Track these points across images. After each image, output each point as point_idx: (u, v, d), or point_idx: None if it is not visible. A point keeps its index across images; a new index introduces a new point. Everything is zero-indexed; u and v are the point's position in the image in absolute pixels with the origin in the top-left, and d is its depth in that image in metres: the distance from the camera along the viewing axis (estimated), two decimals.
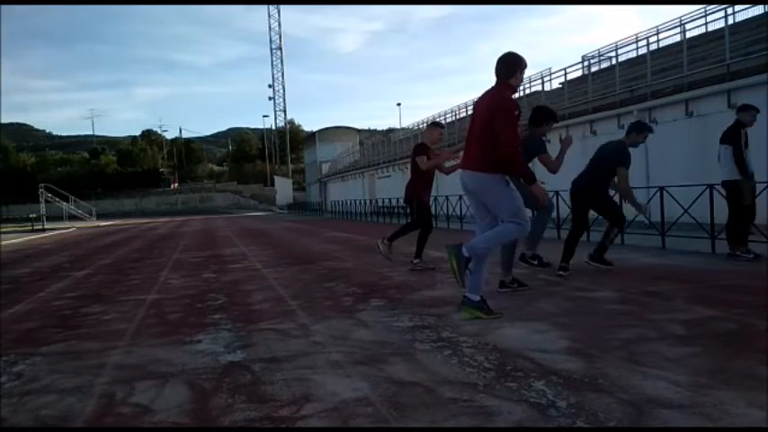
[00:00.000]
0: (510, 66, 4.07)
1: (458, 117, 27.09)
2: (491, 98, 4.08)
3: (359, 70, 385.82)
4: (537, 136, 5.65)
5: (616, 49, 17.19)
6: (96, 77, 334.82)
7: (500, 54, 4.13)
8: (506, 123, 3.93)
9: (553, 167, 5.52)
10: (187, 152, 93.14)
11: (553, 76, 19.65)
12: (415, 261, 6.88)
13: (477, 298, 4.05)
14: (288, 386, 2.80)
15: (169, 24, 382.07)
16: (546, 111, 5.82)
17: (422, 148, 6.94)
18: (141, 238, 18.93)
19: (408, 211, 7.47)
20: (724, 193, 6.62)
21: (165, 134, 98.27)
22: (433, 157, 6.80)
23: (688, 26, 14.59)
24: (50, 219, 38.40)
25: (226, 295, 5.73)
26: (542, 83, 20.17)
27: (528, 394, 2.52)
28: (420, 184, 7.01)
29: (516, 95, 4.20)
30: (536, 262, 6.11)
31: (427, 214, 7.07)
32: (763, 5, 14.18)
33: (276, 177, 66.54)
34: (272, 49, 73.22)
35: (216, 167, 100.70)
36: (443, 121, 28.63)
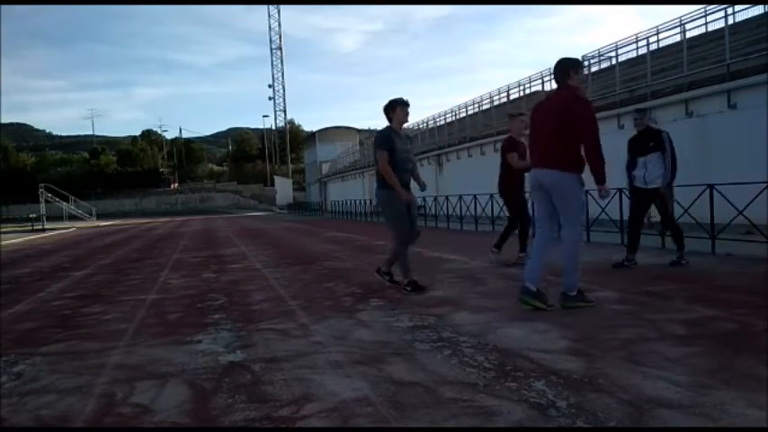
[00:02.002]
0: (562, 69, 4.31)
1: (458, 117, 27.09)
2: (563, 100, 4.25)
3: (359, 70, 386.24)
4: (394, 130, 5.32)
5: (616, 49, 17.19)
6: (96, 77, 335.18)
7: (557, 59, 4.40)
8: (591, 123, 4.18)
9: (383, 169, 5.16)
10: (187, 152, 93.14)
11: None
12: (521, 255, 6.84)
13: (574, 293, 4.30)
14: (288, 386, 2.80)
15: (169, 24, 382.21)
16: (390, 101, 5.37)
17: (512, 144, 6.85)
18: (141, 238, 18.93)
19: (505, 208, 7.41)
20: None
21: (165, 134, 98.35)
22: (523, 152, 6.63)
23: (688, 26, 14.59)
24: (50, 219, 38.40)
25: (226, 295, 5.73)
26: (542, 83, 20.20)
27: (528, 394, 2.52)
28: (513, 180, 6.92)
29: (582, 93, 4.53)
30: (388, 278, 5.61)
31: (525, 209, 7.08)
32: (763, 5, 14.18)
33: (276, 177, 66.54)
34: (272, 49, 73.26)
35: (216, 167, 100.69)
36: (443, 122, 28.68)
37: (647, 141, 6.32)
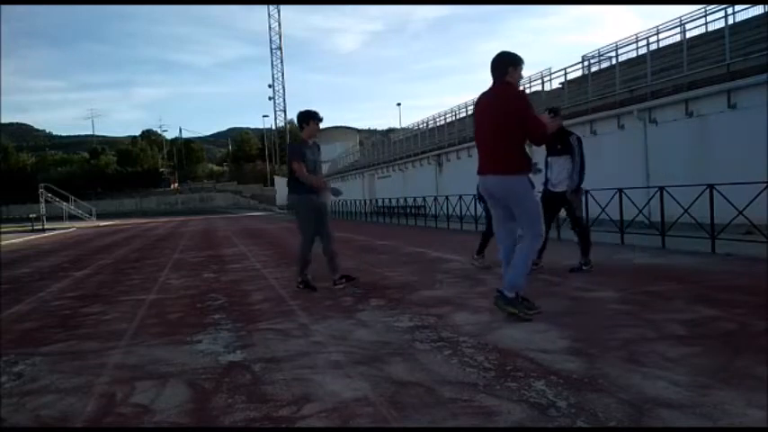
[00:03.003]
0: (500, 65, 4.05)
1: (457, 117, 27.08)
2: (497, 98, 4.05)
3: (359, 70, 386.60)
4: (302, 141, 5.68)
5: (616, 49, 17.18)
6: (96, 77, 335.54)
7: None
8: (525, 111, 3.95)
9: (302, 175, 5.49)
10: (187, 152, 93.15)
11: (553, 76, 19.66)
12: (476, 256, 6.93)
13: (513, 294, 4.02)
14: (288, 386, 2.80)
15: (169, 24, 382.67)
16: (304, 113, 5.70)
17: None
18: (141, 237, 18.93)
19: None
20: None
21: (165, 134, 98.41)
22: None
23: (688, 26, 14.58)
24: (50, 219, 38.39)
25: (226, 295, 5.73)
26: (542, 83, 20.17)
27: (528, 394, 2.52)
28: None
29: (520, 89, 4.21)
30: (303, 285, 5.71)
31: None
32: (763, 5, 14.17)
33: (276, 177, 66.47)
34: (272, 49, 73.02)
35: (216, 167, 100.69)
36: (443, 122, 28.66)
37: (556, 143, 6.05)
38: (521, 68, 4.09)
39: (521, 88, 4.14)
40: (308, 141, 5.69)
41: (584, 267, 6.09)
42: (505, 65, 4.03)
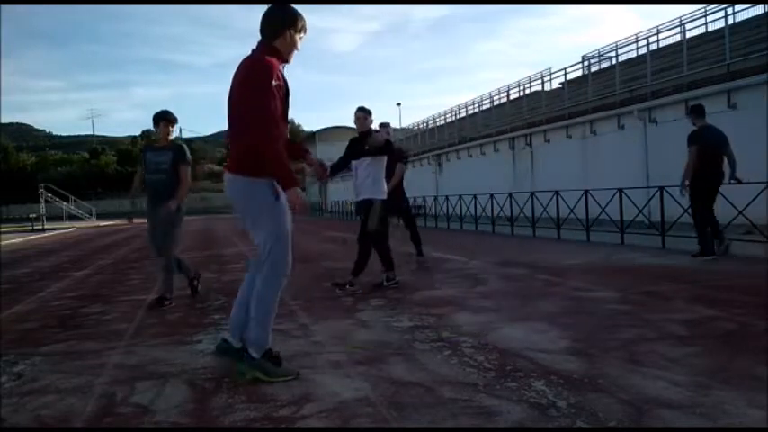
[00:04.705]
0: (274, 23, 2.92)
1: (457, 117, 27.10)
2: (240, 70, 2.90)
3: (358, 70, 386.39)
4: (149, 145, 5.51)
5: (616, 49, 17.19)
6: (95, 77, 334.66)
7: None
8: (251, 93, 2.78)
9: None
10: None
11: (553, 76, 19.69)
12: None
13: (259, 354, 2.87)
14: (288, 386, 2.79)
15: (168, 25, 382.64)
16: (156, 114, 5.46)
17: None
18: (141, 237, 18.88)
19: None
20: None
21: None
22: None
23: (688, 26, 14.60)
24: (50, 219, 38.35)
25: (226, 295, 5.73)
26: (542, 83, 20.21)
27: (528, 394, 2.52)
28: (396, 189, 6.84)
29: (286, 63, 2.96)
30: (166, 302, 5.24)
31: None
32: (763, 5, 14.17)
33: None
34: None
35: (216, 167, 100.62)
36: (443, 122, 28.67)
37: (365, 144, 5.61)
38: (301, 36, 2.97)
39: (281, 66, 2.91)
40: (161, 143, 5.42)
41: (385, 283, 5.59)
42: (283, 25, 2.90)
